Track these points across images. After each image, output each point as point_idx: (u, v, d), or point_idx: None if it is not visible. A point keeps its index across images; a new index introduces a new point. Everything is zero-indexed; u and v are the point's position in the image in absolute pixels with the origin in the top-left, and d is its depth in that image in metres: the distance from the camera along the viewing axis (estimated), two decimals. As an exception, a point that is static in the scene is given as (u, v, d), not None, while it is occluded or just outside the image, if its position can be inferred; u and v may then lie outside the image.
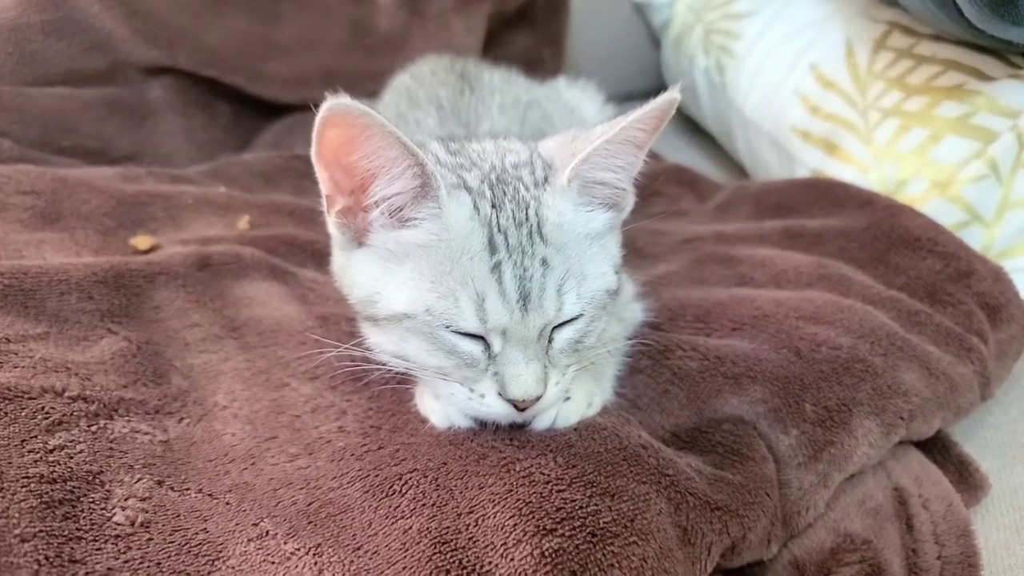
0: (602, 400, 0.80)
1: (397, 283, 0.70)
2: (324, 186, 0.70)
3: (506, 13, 1.61)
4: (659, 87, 2.15)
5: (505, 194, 0.71)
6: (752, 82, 1.55)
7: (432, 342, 0.69)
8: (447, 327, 0.68)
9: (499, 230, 0.68)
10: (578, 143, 0.74)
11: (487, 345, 0.70)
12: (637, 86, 2.13)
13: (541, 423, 0.74)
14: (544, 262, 0.69)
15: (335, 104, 0.62)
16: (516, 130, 1.05)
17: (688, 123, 1.90)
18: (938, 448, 0.97)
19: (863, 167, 1.29)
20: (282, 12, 1.41)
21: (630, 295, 0.95)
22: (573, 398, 0.76)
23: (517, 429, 0.74)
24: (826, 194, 1.23)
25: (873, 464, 0.88)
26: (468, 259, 0.67)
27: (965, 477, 0.94)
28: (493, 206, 0.69)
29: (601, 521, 0.64)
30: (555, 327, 0.71)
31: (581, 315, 0.72)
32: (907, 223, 1.12)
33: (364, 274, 0.72)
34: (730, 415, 0.83)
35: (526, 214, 0.70)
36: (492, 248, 0.68)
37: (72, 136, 1.22)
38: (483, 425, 0.74)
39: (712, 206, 1.37)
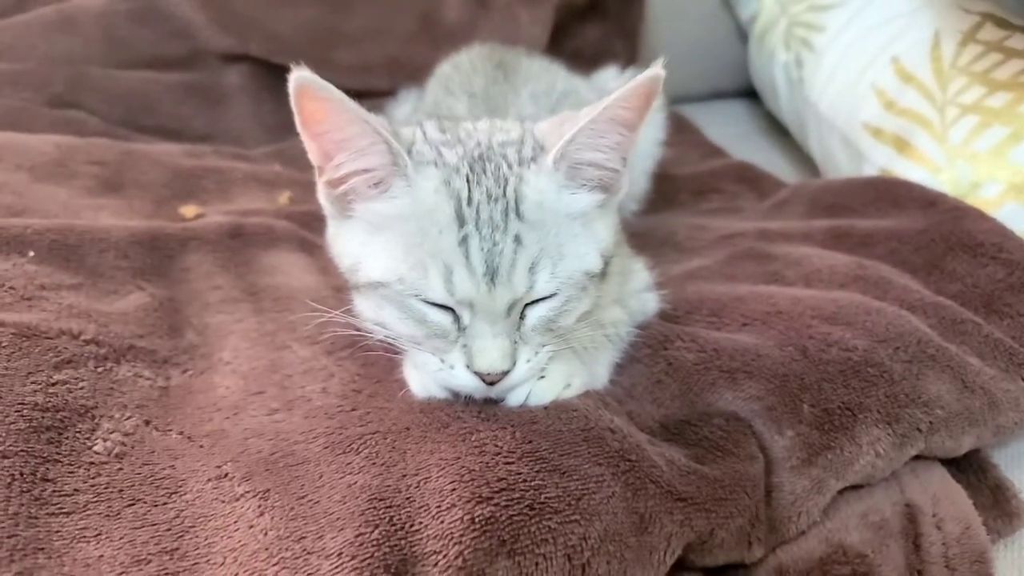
0: (584, 383, 0.79)
1: (375, 252, 0.72)
2: (313, 156, 0.74)
3: (576, 4, 1.61)
4: (747, 85, 2.07)
5: (485, 171, 0.71)
6: (829, 77, 1.47)
7: (404, 310, 0.71)
8: (417, 296, 0.70)
9: (469, 204, 0.69)
10: (566, 125, 0.74)
11: (457, 317, 0.71)
12: (724, 84, 2.06)
13: (514, 399, 0.75)
14: (517, 239, 0.69)
15: (299, 77, 0.65)
16: (545, 117, 1.05)
17: (772, 121, 1.83)
18: (973, 469, 0.89)
19: (934, 167, 1.20)
20: (353, 3, 1.47)
21: (643, 284, 0.93)
22: (548, 377, 0.76)
23: (492, 404, 0.75)
24: (886, 194, 1.15)
25: (884, 476, 0.82)
26: (437, 232, 0.69)
27: (1000, 503, 0.86)
28: (467, 181, 0.70)
29: (543, 496, 0.63)
30: (528, 304, 0.72)
31: (556, 294, 0.72)
32: (971, 227, 1.04)
33: (350, 243, 0.75)
34: (724, 410, 0.80)
35: (504, 190, 0.70)
36: (460, 221, 0.69)
37: (153, 116, 1.33)
38: (458, 397, 0.75)
39: (769, 204, 1.31)
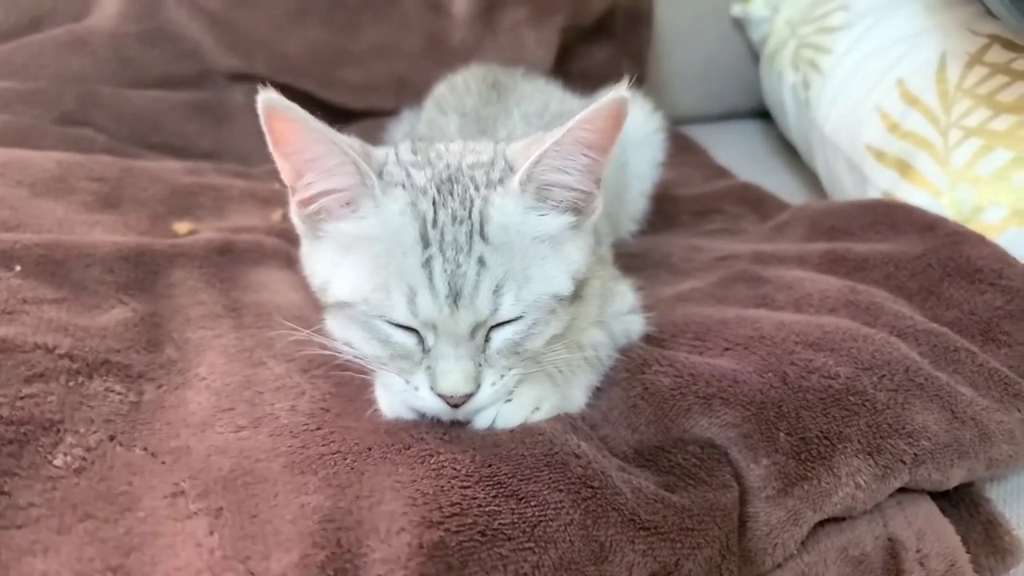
0: (555, 406, 0.77)
1: (342, 272, 0.72)
2: (285, 176, 0.74)
3: (582, 26, 1.61)
4: (760, 106, 2.06)
5: (452, 193, 0.71)
6: (835, 98, 1.45)
7: (369, 331, 0.71)
8: (381, 317, 0.70)
9: (434, 226, 0.69)
10: (533, 147, 0.73)
11: (421, 338, 0.70)
12: (737, 104, 2.05)
13: (480, 422, 0.74)
14: (481, 261, 0.69)
15: (266, 99, 0.66)
16: (537, 138, 1.05)
17: (784, 142, 1.80)
18: (966, 503, 0.86)
19: (936, 190, 1.17)
20: (360, 23, 1.49)
21: (627, 307, 0.92)
22: (516, 400, 0.75)
23: (458, 426, 0.74)
24: (884, 217, 1.13)
25: (866, 509, 0.79)
26: (402, 253, 0.69)
27: (993, 539, 0.83)
28: (433, 203, 0.70)
29: (497, 522, 0.62)
30: (494, 327, 0.71)
31: (521, 317, 0.71)
32: (969, 252, 1.01)
33: (320, 263, 0.75)
34: (699, 437, 0.78)
35: (469, 212, 0.70)
36: (425, 243, 0.68)
37: (160, 134, 1.36)
38: (425, 418, 0.75)
39: (769, 226, 1.29)
